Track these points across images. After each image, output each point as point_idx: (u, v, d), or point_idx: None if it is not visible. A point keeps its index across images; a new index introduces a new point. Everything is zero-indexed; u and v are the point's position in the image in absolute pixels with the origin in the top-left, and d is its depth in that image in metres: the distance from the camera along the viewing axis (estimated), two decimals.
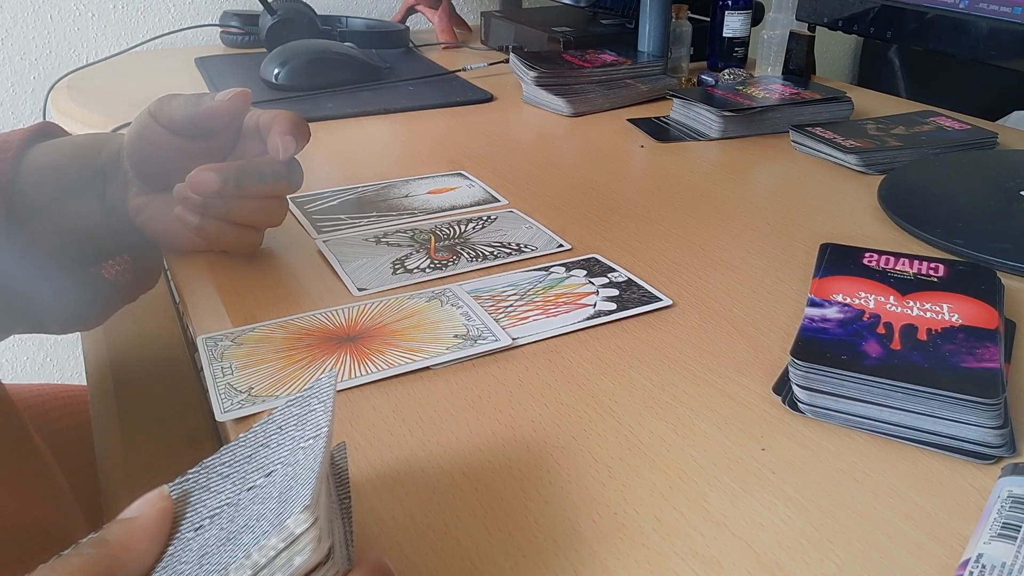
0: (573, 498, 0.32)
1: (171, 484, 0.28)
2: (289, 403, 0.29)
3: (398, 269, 0.50)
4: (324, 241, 0.54)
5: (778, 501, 0.31)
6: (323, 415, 0.27)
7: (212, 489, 0.27)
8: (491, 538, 0.30)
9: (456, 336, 0.42)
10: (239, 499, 0.26)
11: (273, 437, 0.28)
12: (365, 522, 0.31)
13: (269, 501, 0.24)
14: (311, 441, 0.26)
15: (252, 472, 0.27)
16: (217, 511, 0.26)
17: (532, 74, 0.87)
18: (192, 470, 0.28)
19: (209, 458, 0.29)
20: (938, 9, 0.58)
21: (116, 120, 0.79)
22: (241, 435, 0.29)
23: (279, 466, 0.26)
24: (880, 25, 0.64)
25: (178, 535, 0.26)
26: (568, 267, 0.50)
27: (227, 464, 0.28)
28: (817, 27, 0.81)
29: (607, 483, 0.32)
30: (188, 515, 0.27)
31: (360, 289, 0.47)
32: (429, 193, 0.62)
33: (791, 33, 0.92)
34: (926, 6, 0.59)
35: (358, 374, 0.39)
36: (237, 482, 0.27)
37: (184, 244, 0.52)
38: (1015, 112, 1.31)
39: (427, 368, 0.40)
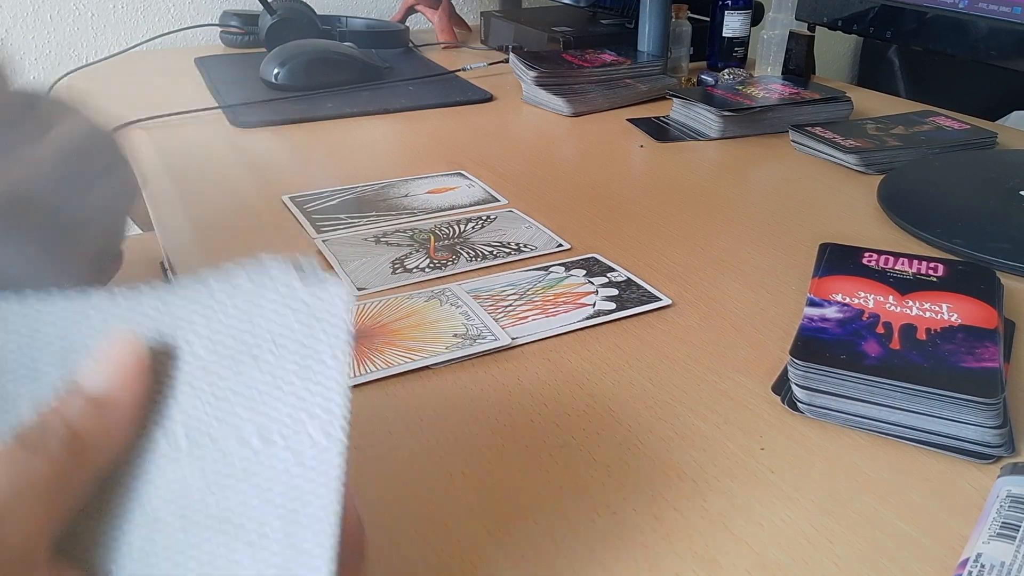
0: (573, 498, 0.32)
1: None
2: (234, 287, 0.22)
3: (397, 269, 0.50)
4: (323, 241, 0.54)
5: (778, 501, 0.31)
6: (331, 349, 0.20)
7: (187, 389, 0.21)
8: (491, 538, 0.30)
9: (455, 335, 0.42)
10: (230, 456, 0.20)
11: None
12: (365, 522, 0.31)
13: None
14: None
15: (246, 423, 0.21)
16: (196, 438, 0.20)
17: (532, 74, 0.87)
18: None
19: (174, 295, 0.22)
20: (938, 9, 0.58)
21: (116, 120, 0.79)
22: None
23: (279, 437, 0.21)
24: (880, 25, 0.64)
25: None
26: (567, 267, 0.50)
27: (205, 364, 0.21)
28: (817, 27, 0.81)
29: (606, 483, 0.32)
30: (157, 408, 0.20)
31: (359, 289, 0.47)
32: (429, 193, 0.62)
33: (791, 33, 0.92)
34: (926, 6, 0.59)
35: (358, 374, 0.39)
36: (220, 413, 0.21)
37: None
38: (1015, 112, 1.31)
39: (427, 368, 0.40)
